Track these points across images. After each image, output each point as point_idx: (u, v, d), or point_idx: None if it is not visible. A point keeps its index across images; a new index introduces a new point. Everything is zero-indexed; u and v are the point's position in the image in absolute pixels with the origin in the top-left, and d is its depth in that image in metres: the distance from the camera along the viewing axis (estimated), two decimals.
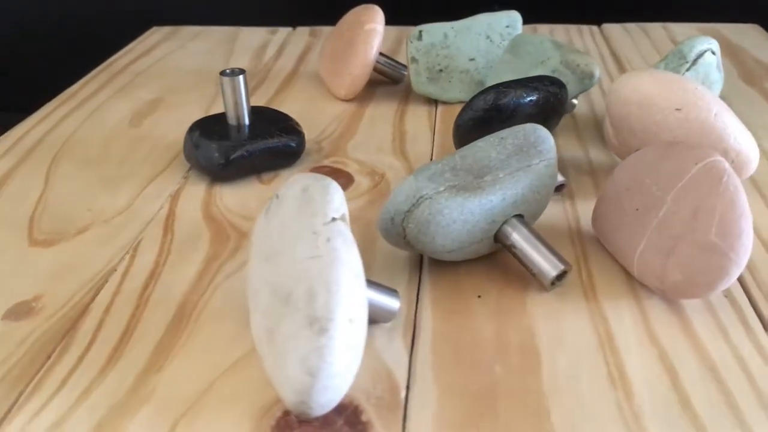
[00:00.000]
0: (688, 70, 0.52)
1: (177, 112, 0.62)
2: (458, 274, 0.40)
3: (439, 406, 0.32)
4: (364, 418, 0.31)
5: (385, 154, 0.54)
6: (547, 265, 0.38)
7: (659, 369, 0.33)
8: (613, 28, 0.81)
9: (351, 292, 0.30)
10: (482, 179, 0.38)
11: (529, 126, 0.42)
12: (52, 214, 0.47)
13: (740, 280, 0.39)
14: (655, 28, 0.81)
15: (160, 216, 0.47)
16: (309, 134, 0.57)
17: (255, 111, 0.54)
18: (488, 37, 0.62)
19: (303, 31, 0.83)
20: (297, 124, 0.54)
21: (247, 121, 0.52)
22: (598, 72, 0.54)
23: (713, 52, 0.53)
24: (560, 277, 0.39)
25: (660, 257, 0.37)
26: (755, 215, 0.44)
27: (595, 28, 0.82)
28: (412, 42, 0.62)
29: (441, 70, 0.62)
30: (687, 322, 0.36)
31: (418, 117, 0.60)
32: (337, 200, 0.33)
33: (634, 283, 0.39)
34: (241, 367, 0.34)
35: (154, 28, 0.86)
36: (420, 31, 0.62)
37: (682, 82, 0.44)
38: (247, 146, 0.50)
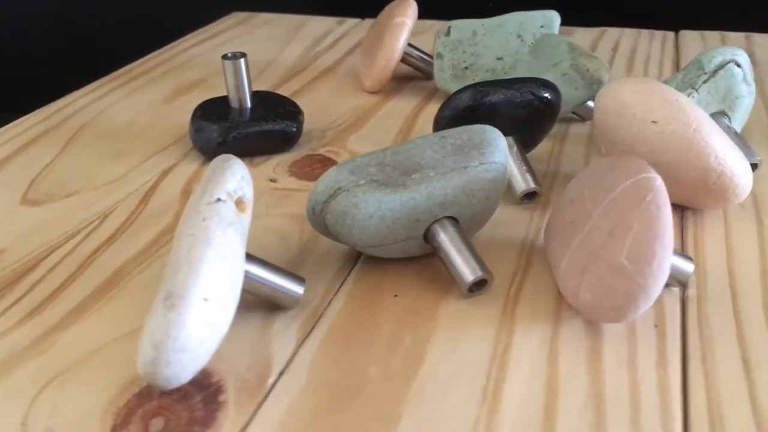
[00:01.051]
0: (705, 82, 0.48)
1: (212, 93, 0.64)
2: (387, 271, 0.40)
3: (298, 398, 0.32)
4: (221, 398, 0.32)
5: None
6: (466, 270, 0.37)
7: (540, 392, 0.31)
8: (689, 36, 0.76)
9: (212, 272, 0.30)
10: (409, 177, 0.38)
11: (479, 127, 0.40)
12: (52, 178, 0.51)
13: (683, 310, 0.36)
14: (737, 38, 0.75)
15: (144, 188, 0.49)
16: (320, 123, 0.58)
17: (259, 95, 0.55)
18: (519, 36, 0.60)
19: (369, 24, 0.84)
20: (298, 110, 0.54)
21: (248, 104, 0.54)
22: (607, 78, 0.51)
23: (738, 64, 0.48)
24: (479, 284, 0.37)
25: (576, 274, 0.35)
26: (737, 244, 0.40)
27: (670, 34, 0.77)
28: (439, 37, 0.61)
29: (466, 68, 0.60)
30: (596, 348, 0.34)
31: (434, 114, 0.59)
32: (231, 182, 0.34)
33: (562, 301, 0.37)
34: (137, 336, 0.35)
35: (234, 14, 0.89)
36: (449, 27, 0.61)
37: (664, 93, 0.41)
38: (241, 129, 0.52)
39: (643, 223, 0.32)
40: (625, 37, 0.76)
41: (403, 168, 0.38)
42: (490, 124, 0.45)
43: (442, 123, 0.46)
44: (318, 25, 0.84)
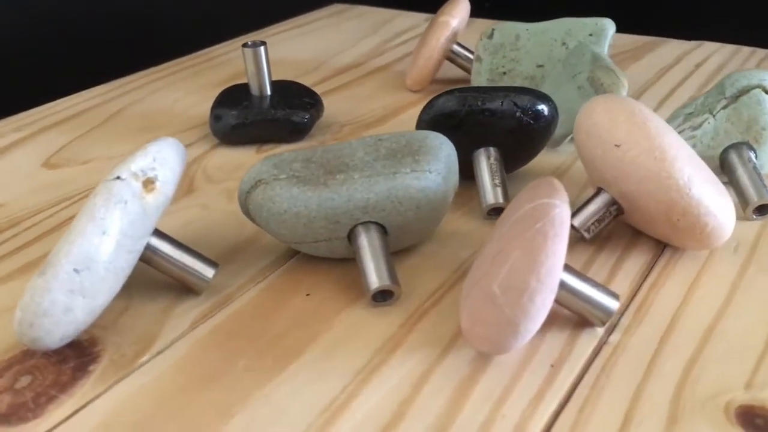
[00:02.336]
0: (724, 108, 0.43)
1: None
2: (315, 270, 0.39)
3: (157, 379, 0.32)
4: (92, 368, 0.33)
5: None
6: (373, 277, 0.36)
7: (385, 413, 0.30)
8: None
9: (86, 245, 0.32)
10: (333, 176, 0.37)
11: (422, 133, 0.39)
12: (78, 147, 0.55)
13: (595, 355, 0.33)
14: None
15: None
16: (345, 117, 0.58)
17: (282, 85, 0.56)
18: (564, 43, 0.57)
19: None
20: (315, 102, 0.55)
21: (268, 92, 0.55)
22: (624, 93, 0.47)
23: (766, 91, 0.42)
24: (385, 294, 0.36)
25: (463, 299, 0.32)
26: (699, 296, 0.36)
27: None
28: (481, 39, 0.59)
29: (504, 73, 0.58)
30: (474, 378, 0.31)
31: None
32: (139, 163, 0.35)
33: None
34: None
35: (335, 5, 0.91)
36: (493, 29, 0.59)
37: (634, 114, 0.37)
38: (250, 116, 0.53)
39: (524, 251, 0.30)
40: (719, 53, 0.69)
41: (329, 167, 0.37)
42: (472, 134, 0.43)
43: (421, 126, 0.44)
44: (406, 20, 0.83)
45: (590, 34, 0.57)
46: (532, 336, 0.31)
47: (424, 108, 0.44)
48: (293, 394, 0.31)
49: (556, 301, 0.33)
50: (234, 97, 0.55)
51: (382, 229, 0.37)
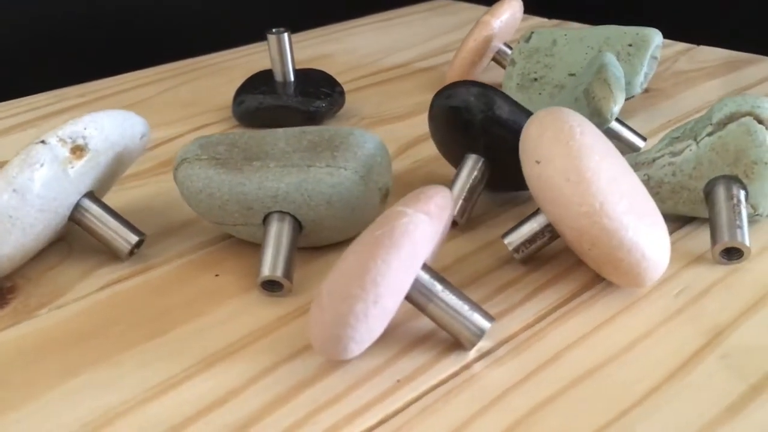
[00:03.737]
0: (710, 135, 0.38)
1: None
2: (244, 252, 0.40)
3: (40, 330, 0.35)
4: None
5: (399, 145, 0.52)
6: (266, 266, 0.36)
7: (206, 401, 0.30)
8: None
9: None
10: (250, 163, 0.37)
11: (349, 130, 0.38)
12: None
13: (453, 376, 0.31)
14: None
15: (168, 137, 0.55)
16: (372, 110, 0.58)
17: (308, 72, 0.57)
18: (601, 53, 0.53)
19: (551, 23, 0.79)
20: (334, 92, 0.55)
21: (291, 79, 0.56)
22: (610, 109, 0.43)
23: (760, 120, 0.37)
24: (275, 286, 0.36)
25: None
26: (596, 342, 0.33)
27: None
28: (519, 43, 0.56)
29: (535, 79, 0.55)
30: (307, 383, 0.31)
31: None
32: (69, 129, 0.37)
33: None
34: None
35: (437, 1, 0.90)
36: (531, 33, 0.56)
37: (562, 130, 0.34)
38: (265, 101, 0.54)
39: (356, 256, 0.29)
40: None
41: (250, 153, 0.38)
42: (466, 138, 0.41)
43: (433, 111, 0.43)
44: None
45: (630, 44, 0.52)
46: (362, 345, 0.30)
47: (438, 96, 0.42)
48: (138, 366, 0.32)
49: (429, 315, 0.32)
50: (258, 81, 0.56)
51: (296, 222, 0.37)
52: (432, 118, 0.43)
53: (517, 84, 0.56)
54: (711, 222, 0.38)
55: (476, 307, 0.32)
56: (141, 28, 0.82)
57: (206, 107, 0.59)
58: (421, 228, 0.29)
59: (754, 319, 0.33)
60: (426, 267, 0.32)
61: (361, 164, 0.37)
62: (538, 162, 0.34)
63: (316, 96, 0.54)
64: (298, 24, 0.78)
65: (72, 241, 0.41)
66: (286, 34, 0.55)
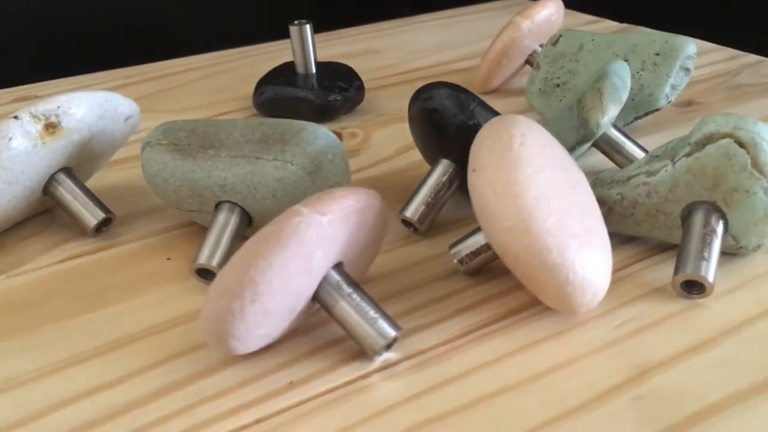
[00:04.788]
0: (687, 155, 0.35)
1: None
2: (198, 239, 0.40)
3: None
4: None
5: (402, 144, 0.51)
6: (202, 255, 0.36)
7: (83, 387, 0.30)
8: None
9: None
10: (204, 151, 0.38)
11: (303, 124, 0.38)
12: (152, 100, 0.61)
13: (351, 383, 0.30)
14: None
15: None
16: (391, 108, 0.57)
17: (331, 66, 0.57)
18: (626, 61, 0.49)
19: (620, 28, 0.75)
20: (354, 86, 0.55)
21: (313, 71, 0.56)
22: (596, 122, 0.40)
23: (741, 144, 0.34)
24: (208, 275, 0.36)
25: None
26: (532, 360, 0.31)
27: None
28: (546, 45, 0.53)
29: (558, 85, 0.52)
30: (197, 377, 0.31)
31: None
32: (42, 106, 0.39)
33: None
34: None
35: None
36: (559, 36, 0.53)
37: (501, 139, 0.32)
38: (280, 92, 0.55)
39: (242, 252, 0.28)
40: None
41: (206, 141, 0.38)
42: (441, 142, 0.40)
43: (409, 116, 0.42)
44: (568, 20, 0.78)
45: (657, 53, 0.49)
46: (248, 343, 0.29)
47: (420, 90, 0.41)
48: (59, 338, 0.33)
49: (335, 319, 0.31)
50: (279, 72, 0.57)
51: (245, 214, 0.37)
52: (410, 120, 0.42)
53: (539, 89, 0.53)
54: (679, 250, 0.34)
55: (384, 315, 0.31)
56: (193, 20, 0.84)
57: (234, 95, 0.60)
58: (314, 229, 0.29)
59: (689, 363, 0.30)
60: (339, 269, 0.31)
61: (309, 160, 0.36)
62: (474, 170, 0.32)
63: (332, 89, 0.54)
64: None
65: (56, 214, 0.43)
66: (308, 26, 0.55)
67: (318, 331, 0.33)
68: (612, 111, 0.40)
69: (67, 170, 0.41)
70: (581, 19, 0.78)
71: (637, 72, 0.49)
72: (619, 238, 0.38)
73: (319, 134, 0.37)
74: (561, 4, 0.58)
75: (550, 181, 0.31)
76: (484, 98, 0.41)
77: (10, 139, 0.38)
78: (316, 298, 0.31)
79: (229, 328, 0.28)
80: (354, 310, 0.31)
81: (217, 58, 0.70)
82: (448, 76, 0.63)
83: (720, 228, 0.35)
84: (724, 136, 0.34)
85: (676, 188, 0.35)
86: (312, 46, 0.56)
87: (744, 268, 0.36)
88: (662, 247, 0.37)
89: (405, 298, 0.35)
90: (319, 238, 0.29)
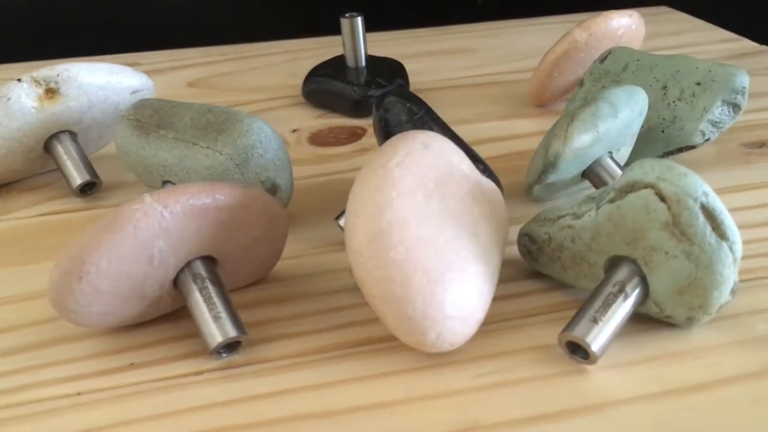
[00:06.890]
0: (611, 201, 0.30)
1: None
2: None
3: None
4: None
5: None
6: None
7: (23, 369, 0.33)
8: None
9: None
10: (158, 131, 0.39)
11: (242, 116, 0.38)
12: (222, 78, 0.64)
13: (184, 376, 0.30)
14: None
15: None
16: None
17: (382, 61, 0.57)
18: (665, 87, 0.44)
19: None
20: (394, 84, 0.54)
21: (363, 64, 0.56)
22: (559, 153, 0.36)
23: (663, 198, 0.29)
24: None
25: None
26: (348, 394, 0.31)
27: None
28: (595, 62, 0.49)
29: None
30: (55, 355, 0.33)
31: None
32: (43, 72, 0.43)
33: None
34: None
35: (662, 7, 0.80)
36: (609, 52, 0.48)
37: (377, 158, 0.30)
38: (320, 84, 0.55)
39: (87, 230, 0.29)
40: None
41: (164, 121, 0.40)
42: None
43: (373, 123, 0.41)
44: (700, 35, 0.70)
45: (697, 83, 0.43)
46: (85, 318, 0.30)
47: (380, 102, 0.40)
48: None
49: (189, 309, 0.31)
50: (330, 64, 0.57)
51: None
52: (374, 126, 0.41)
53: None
54: (581, 305, 0.30)
55: (232, 315, 0.31)
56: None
57: (292, 83, 0.61)
58: (152, 218, 0.29)
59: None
60: (207, 262, 0.32)
61: (238, 153, 0.37)
62: (355, 183, 0.31)
63: (370, 85, 0.54)
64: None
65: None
66: (359, 18, 0.55)
67: (189, 321, 0.33)
68: (579, 141, 0.36)
69: (71, 134, 0.44)
70: (716, 35, 0.70)
71: (674, 101, 0.43)
72: (552, 283, 0.34)
73: (253, 128, 0.37)
74: (637, 17, 0.52)
75: (416, 208, 0.29)
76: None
77: (9, 99, 0.42)
78: (176, 286, 0.32)
79: (64, 301, 0.30)
80: (203, 304, 0.31)
81: (305, 44, 0.71)
82: (510, 84, 0.59)
83: (635, 291, 0.30)
84: (646, 185, 0.29)
85: (599, 237, 0.31)
86: (362, 40, 0.55)
87: (669, 342, 0.31)
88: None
89: (293, 304, 0.34)
90: (160, 228, 0.29)
